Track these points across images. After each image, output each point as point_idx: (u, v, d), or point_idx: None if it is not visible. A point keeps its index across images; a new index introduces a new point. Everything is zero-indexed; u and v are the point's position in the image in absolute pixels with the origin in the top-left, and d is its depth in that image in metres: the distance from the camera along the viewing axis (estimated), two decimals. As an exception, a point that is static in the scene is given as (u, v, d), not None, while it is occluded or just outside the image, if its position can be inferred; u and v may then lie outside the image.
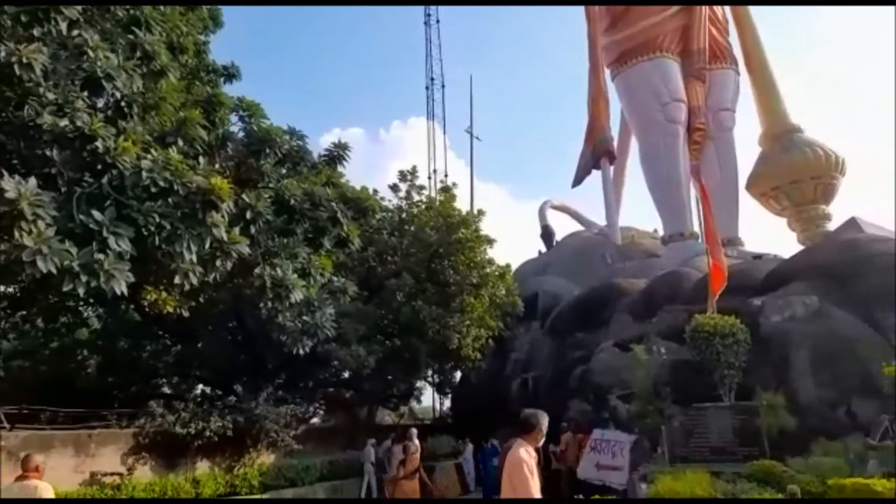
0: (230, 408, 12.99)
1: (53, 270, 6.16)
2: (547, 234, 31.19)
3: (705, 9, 25.65)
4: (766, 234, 78.86)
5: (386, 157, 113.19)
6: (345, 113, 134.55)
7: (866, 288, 12.40)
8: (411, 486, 10.64)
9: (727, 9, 27.09)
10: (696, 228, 24.25)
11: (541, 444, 4.73)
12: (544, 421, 4.59)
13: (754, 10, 26.92)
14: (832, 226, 22.61)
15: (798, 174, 23.80)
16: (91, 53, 7.06)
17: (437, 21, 41.43)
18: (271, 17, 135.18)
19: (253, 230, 8.79)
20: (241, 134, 10.75)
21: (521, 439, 4.56)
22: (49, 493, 6.17)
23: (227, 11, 13.08)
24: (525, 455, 4.43)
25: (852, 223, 18.19)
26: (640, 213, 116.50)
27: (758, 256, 20.09)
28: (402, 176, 20.40)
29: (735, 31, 26.84)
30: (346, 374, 18.08)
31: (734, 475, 8.72)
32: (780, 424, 10.22)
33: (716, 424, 10.62)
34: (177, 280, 7.60)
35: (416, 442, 11.92)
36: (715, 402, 11.10)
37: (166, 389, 19.08)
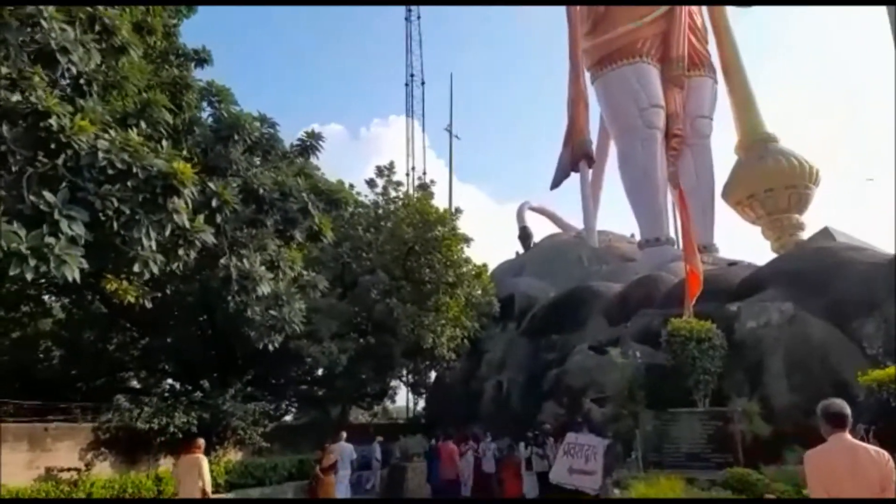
0: (196, 403, 12.57)
1: (-1, 253, 5.74)
2: (525, 235, 31.15)
3: (685, 16, 25.75)
4: (741, 242, 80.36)
5: (366, 154, 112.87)
6: (325, 109, 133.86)
7: (840, 296, 12.38)
8: (329, 479, 12.28)
9: (706, 18, 27.25)
10: (672, 233, 24.36)
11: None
12: None
13: (734, 19, 27.18)
14: (805, 235, 22.82)
15: (772, 183, 24.01)
16: (45, 24, 6.61)
17: (419, 17, 41.61)
18: (248, 11, 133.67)
19: (219, 219, 8.37)
20: (209, 120, 10.33)
21: (843, 433, 3.84)
22: (206, 465, 8.54)
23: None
24: None
25: (825, 232, 18.34)
26: (617, 217, 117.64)
27: (732, 263, 20.17)
28: (379, 171, 20.11)
29: (714, 40, 27.03)
30: (319, 372, 17.71)
31: (709, 482, 8.57)
32: (755, 431, 10.12)
33: (690, 430, 10.47)
34: (136, 268, 7.18)
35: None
36: (689, 408, 10.98)
37: (134, 383, 18.55)
